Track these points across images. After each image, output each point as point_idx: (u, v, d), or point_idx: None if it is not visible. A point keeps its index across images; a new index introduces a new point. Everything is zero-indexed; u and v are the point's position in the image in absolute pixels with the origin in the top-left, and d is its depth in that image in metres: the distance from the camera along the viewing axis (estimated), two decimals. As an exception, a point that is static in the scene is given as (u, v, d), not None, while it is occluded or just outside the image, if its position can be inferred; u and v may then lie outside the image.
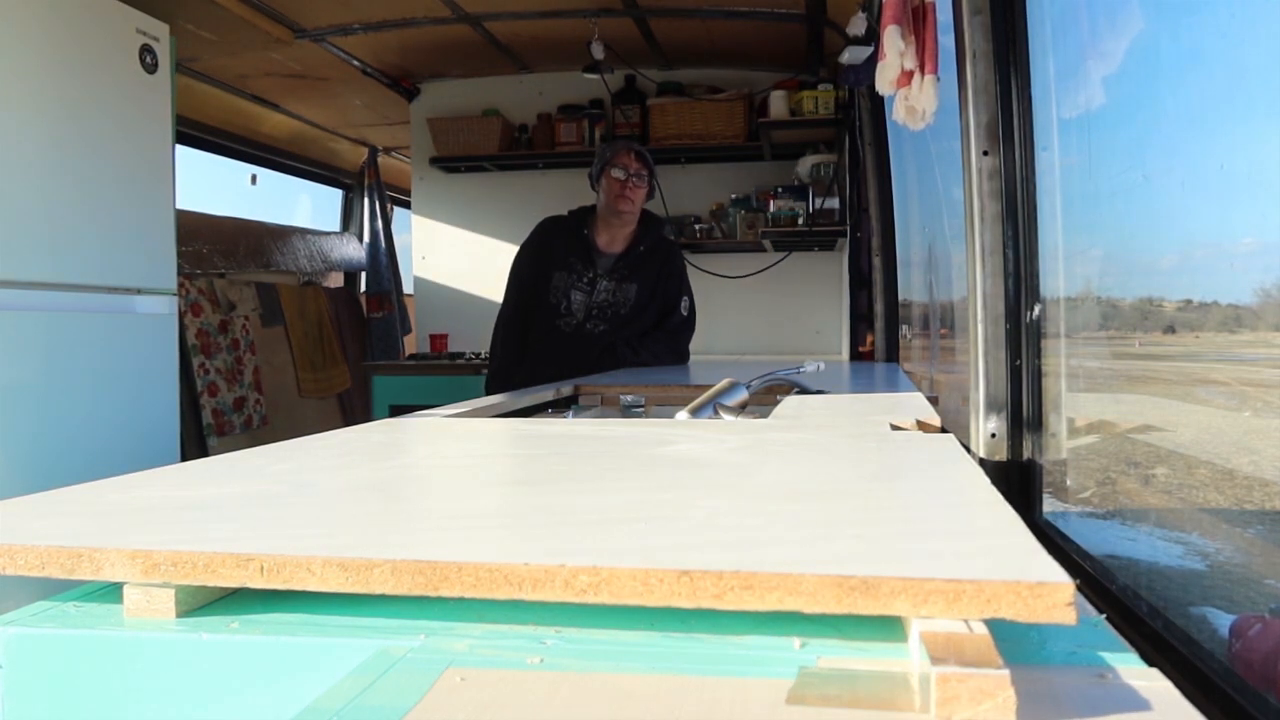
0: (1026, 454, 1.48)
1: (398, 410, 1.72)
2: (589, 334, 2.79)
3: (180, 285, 2.45)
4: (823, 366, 1.90)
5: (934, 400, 1.78)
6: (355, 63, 4.15)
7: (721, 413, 1.41)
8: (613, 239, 2.86)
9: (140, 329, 2.27)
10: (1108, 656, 0.48)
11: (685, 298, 2.96)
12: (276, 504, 0.70)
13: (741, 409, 1.44)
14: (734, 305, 4.40)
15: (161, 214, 2.49)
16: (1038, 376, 1.48)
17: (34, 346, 1.96)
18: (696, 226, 4.33)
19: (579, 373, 2.48)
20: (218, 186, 5.01)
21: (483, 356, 4.09)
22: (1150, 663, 0.46)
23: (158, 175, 2.48)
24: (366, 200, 5.71)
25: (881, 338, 3.33)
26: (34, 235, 2.03)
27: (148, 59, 2.45)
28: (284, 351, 4.76)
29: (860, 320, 3.56)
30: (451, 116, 4.48)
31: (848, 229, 3.78)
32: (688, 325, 2.98)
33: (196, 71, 3.92)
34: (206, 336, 4.17)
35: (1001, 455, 1.48)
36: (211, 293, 4.27)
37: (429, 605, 0.55)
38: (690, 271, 4.41)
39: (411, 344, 5.43)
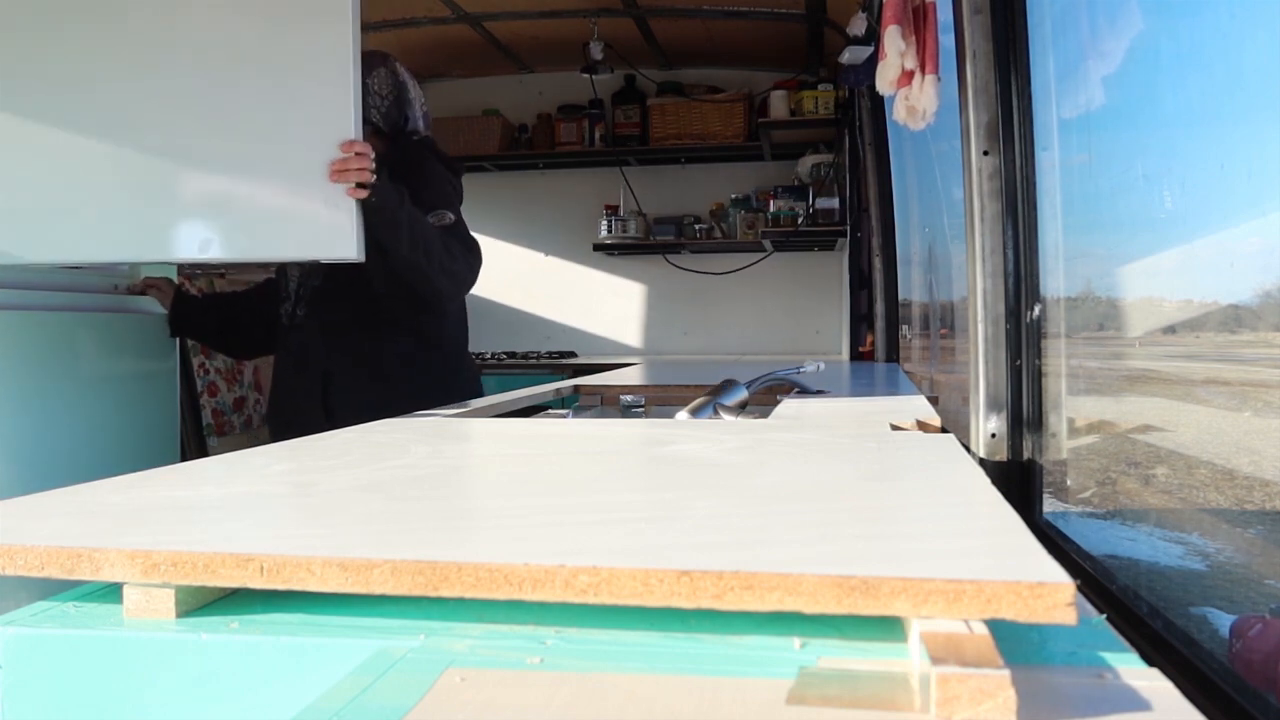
0: (1026, 454, 1.48)
1: (398, 410, 1.71)
2: (299, 327, 2.02)
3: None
4: (823, 366, 1.90)
5: (934, 400, 1.78)
6: (355, 63, 4.15)
7: (721, 413, 1.41)
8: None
9: (140, 329, 2.26)
10: (1108, 656, 0.48)
11: (444, 211, 1.99)
12: (276, 504, 0.70)
13: (741, 409, 1.44)
14: (734, 306, 4.40)
15: (161, 214, 2.48)
16: (1038, 376, 1.48)
17: (33, 346, 1.95)
18: (696, 226, 4.33)
19: (300, 399, 1.95)
20: (218, 186, 4.99)
21: (483, 357, 4.09)
22: (1150, 663, 0.46)
23: (158, 175, 2.48)
24: (366, 200, 5.69)
25: (881, 338, 3.33)
26: (34, 235, 2.03)
27: (148, 59, 2.45)
28: (284, 351, 4.75)
29: (860, 320, 3.56)
30: (451, 116, 4.47)
31: (848, 229, 3.78)
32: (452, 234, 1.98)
33: (196, 71, 3.92)
34: (206, 336, 4.16)
35: (1001, 455, 1.48)
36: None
37: (429, 605, 0.55)
38: (688, 271, 4.47)
39: (411, 344, 5.42)
